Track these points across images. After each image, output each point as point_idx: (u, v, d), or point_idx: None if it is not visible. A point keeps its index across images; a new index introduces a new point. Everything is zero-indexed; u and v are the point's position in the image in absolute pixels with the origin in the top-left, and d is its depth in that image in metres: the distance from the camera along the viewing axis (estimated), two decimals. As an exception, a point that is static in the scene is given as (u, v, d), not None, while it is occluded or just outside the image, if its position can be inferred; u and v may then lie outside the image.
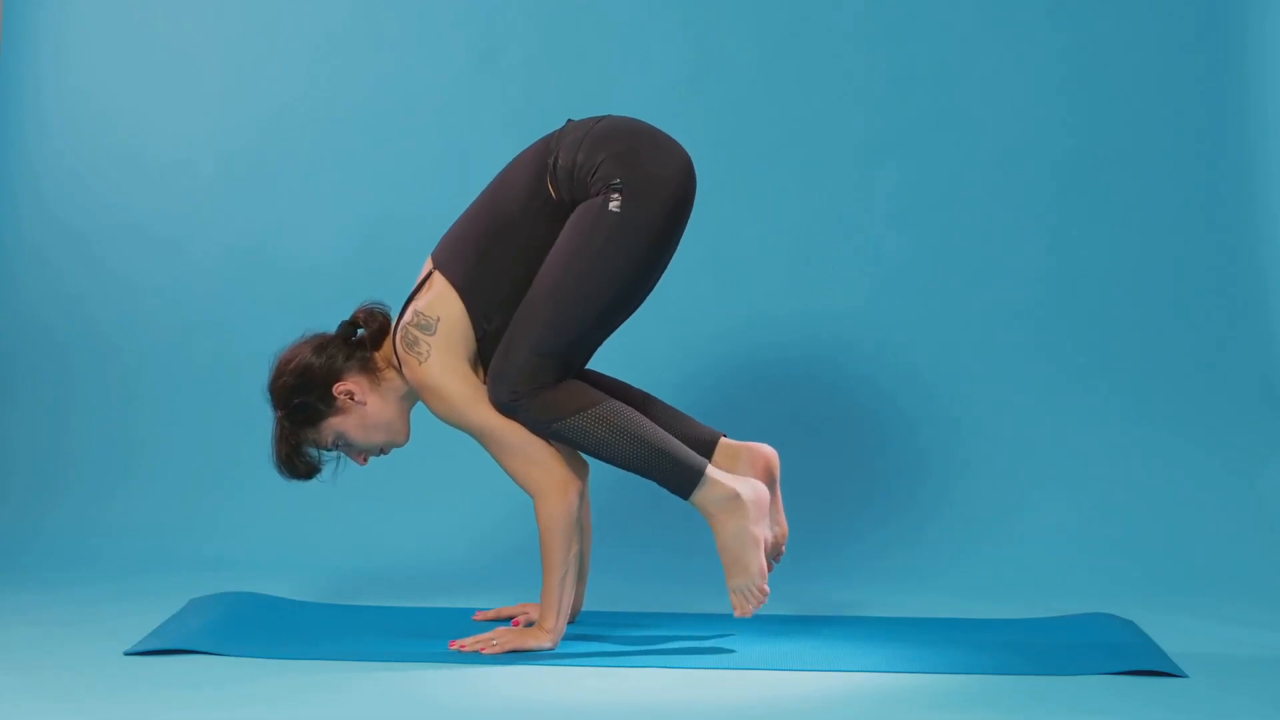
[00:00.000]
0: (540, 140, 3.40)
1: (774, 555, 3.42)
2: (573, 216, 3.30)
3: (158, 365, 4.57)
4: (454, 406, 3.31)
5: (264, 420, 4.48)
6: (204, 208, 4.61)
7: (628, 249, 3.27)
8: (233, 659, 3.16)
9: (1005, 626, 3.58)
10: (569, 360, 3.32)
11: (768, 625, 3.56)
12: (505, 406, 3.28)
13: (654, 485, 3.31)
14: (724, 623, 3.58)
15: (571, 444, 3.30)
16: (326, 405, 3.37)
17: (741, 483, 3.29)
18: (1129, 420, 4.46)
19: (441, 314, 3.32)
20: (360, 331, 3.43)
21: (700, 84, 4.61)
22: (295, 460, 3.39)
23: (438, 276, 3.35)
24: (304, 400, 3.36)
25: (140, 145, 4.63)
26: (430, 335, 3.31)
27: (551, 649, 3.28)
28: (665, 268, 3.37)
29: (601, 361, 3.49)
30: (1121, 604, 3.76)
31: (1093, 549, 4.25)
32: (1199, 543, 4.25)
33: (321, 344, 3.40)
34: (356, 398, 3.37)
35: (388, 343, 3.42)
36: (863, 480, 4.42)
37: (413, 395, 3.41)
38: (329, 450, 3.42)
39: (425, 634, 3.40)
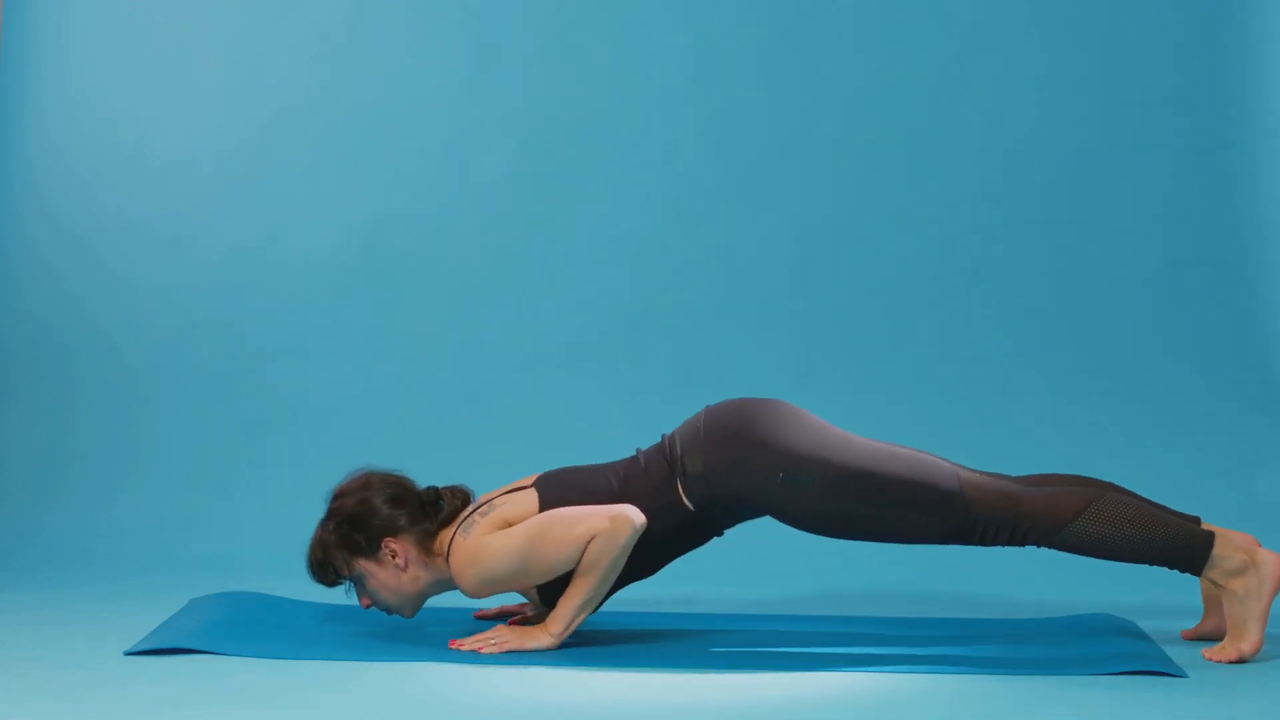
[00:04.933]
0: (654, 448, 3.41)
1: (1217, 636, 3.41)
2: None
3: (158, 365, 4.57)
4: (497, 557, 3.27)
5: (263, 422, 4.51)
6: (204, 208, 4.61)
7: None
8: (233, 659, 3.15)
9: (1005, 626, 3.58)
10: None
11: (767, 626, 3.56)
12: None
13: None
14: (724, 623, 3.58)
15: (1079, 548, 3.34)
16: (371, 548, 3.35)
17: (1253, 549, 3.26)
18: (1128, 419, 4.45)
19: (515, 515, 3.33)
20: (441, 504, 3.40)
21: (700, 84, 4.61)
22: (325, 568, 3.37)
23: (533, 491, 3.36)
24: (354, 533, 3.34)
25: (140, 145, 4.63)
26: (485, 518, 3.33)
27: (551, 649, 3.27)
28: None
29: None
30: (1121, 604, 3.76)
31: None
32: (1199, 543, 4.24)
33: (401, 497, 3.38)
34: (398, 559, 3.35)
35: (446, 532, 3.38)
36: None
37: (440, 585, 3.38)
38: (347, 577, 3.39)
39: (425, 633, 3.40)
